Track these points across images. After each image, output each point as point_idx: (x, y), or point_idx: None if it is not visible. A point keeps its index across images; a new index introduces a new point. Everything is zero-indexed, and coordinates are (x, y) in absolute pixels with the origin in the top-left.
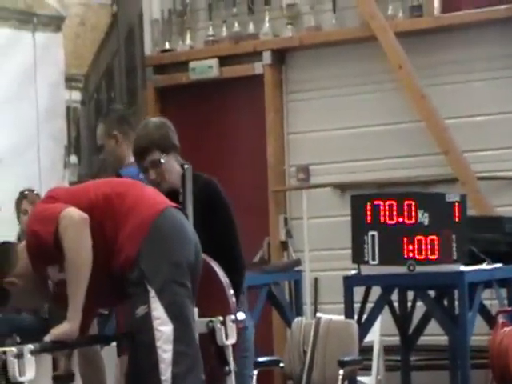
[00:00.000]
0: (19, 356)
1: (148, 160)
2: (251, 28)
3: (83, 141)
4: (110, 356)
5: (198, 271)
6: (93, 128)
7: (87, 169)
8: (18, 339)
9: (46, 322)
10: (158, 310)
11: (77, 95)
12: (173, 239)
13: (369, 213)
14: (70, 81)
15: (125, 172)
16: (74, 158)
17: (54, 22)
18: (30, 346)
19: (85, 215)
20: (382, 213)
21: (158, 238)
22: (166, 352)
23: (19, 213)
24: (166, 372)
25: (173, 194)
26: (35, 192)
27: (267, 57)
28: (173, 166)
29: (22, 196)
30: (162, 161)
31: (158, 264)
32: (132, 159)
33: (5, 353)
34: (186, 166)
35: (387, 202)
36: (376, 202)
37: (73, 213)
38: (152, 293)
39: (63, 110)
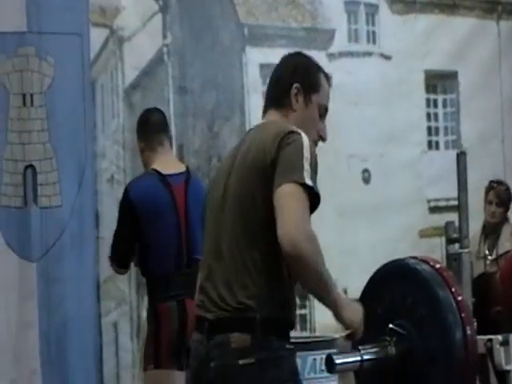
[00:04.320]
0: (504, 344)
1: None
2: None
3: None
4: None
5: None
6: None
7: None
8: None
9: None
10: None
11: None
12: None
13: None
14: None
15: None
16: None
17: None
18: None
19: None
20: None
21: None
22: None
23: (485, 203)
24: None
25: None
26: (504, 186)
27: None
28: None
29: (490, 187)
30: None
31: None
32: None
33: (490, 340)
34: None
35: None
36: None
37: None
38: None
39: None
